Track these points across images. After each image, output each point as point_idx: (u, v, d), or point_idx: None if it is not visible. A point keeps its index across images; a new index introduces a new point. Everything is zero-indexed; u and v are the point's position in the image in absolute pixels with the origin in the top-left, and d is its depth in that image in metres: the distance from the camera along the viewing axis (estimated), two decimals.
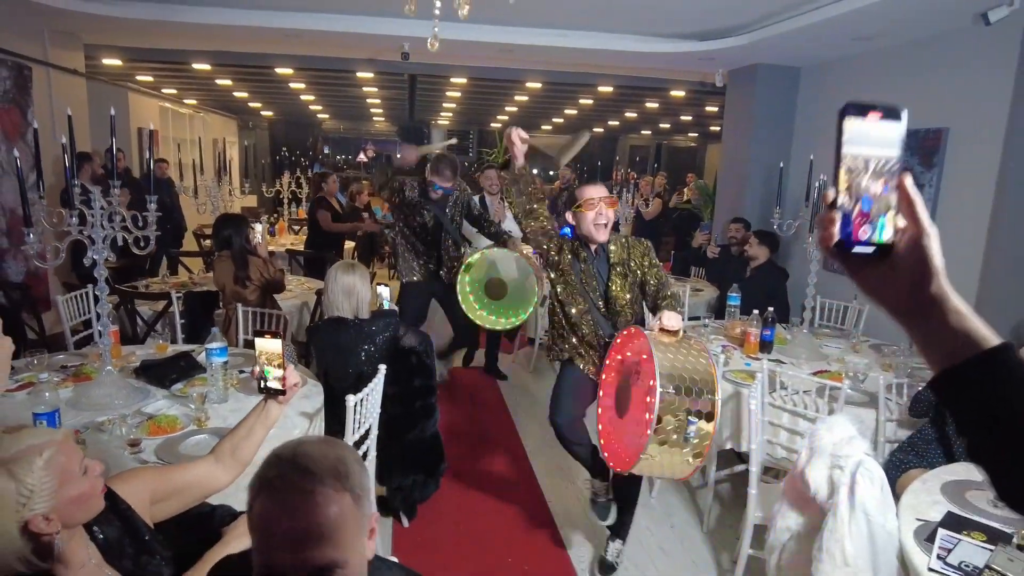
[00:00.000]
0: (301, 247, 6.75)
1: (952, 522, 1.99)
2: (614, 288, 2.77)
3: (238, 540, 1.42)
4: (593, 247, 2.78)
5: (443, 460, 3.30)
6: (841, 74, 5.60)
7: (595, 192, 2.70)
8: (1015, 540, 1.87)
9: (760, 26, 5.00)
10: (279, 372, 1.65)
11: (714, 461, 3.30)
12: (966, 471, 2.37)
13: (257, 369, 1.67)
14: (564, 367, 2.92)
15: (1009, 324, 3.82)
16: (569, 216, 2.76)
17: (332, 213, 6.48)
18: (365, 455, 2.69)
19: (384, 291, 3.54)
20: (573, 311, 2.80)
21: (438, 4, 1.59)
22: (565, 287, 2.81)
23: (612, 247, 2.79)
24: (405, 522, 3.21)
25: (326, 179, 6.88)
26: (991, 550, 1.82)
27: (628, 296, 2.79)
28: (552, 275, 2.84)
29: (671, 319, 2.40)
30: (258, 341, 1.68)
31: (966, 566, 1.76)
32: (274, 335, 1.68)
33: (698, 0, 4.54)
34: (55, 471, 1.19)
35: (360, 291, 2.98)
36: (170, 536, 1.43)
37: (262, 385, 1.68)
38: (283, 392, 1.66)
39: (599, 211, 2.67)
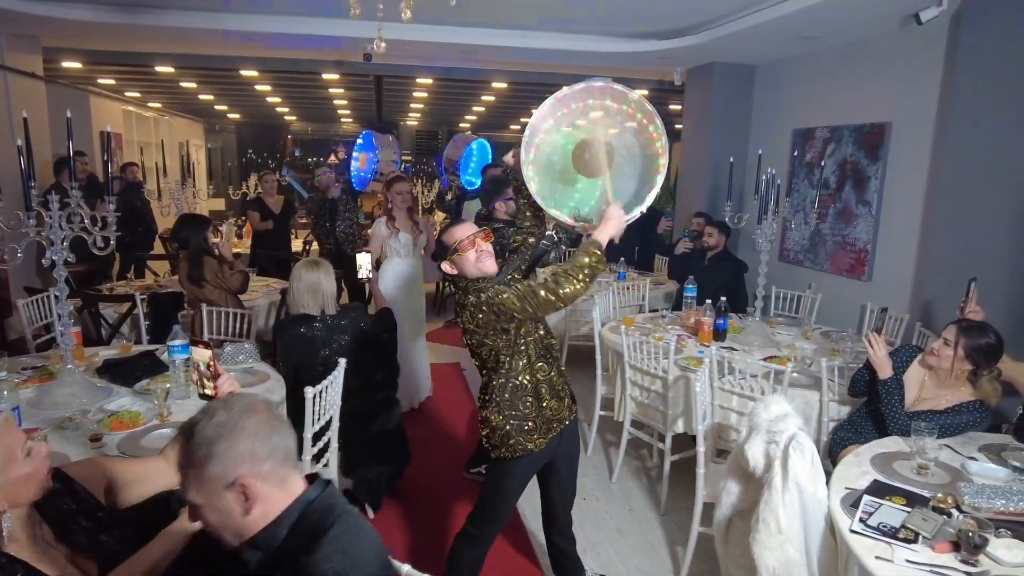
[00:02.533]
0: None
1: (876, 489, 2.13)
2: None
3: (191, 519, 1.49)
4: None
5: (407, 451, 3.39)
6: (792, 72, 5.79)
7: (464, 231, 2.22)
8: (931, 503, 2.02)
9: (714, 25, 5.16)
10: (212, 379, 1.76)
11: (669, 444, 3.43)
12: (895, 444, 2.53)
13: (195, 376, 1.77)
14: (519, 462, 2.29)
15: (941, 287, 4.01)
16: (447, 267, 2.25)
17: (262, 212, 6.43)
18: (327, 446, 2.76)
19: (364, 259, 3.49)
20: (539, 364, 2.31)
21: (381, 7, 1.68)
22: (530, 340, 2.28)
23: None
24: (370, 513, 3.28)
25: (265, 179, 6.87)
26: (908, 512, 1.96)
27: None
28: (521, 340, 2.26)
29: None
30: (192, 350, 1.79)
31: (884, 526, 1.90)
32: (206, 345, 1.79)
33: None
34: None
35: (325, 287, 3.04)
36: (129, 516, 1.50)
37: (200, 392, 1.78)
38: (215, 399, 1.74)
39: (478, 248, 2.21)
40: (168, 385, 2.68)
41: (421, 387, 4.77)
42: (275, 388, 2.88)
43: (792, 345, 3.81)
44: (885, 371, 2.71)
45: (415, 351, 4.65)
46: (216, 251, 4.00)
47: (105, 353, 3.27)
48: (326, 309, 3.03)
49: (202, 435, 1.18)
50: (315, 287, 3.01)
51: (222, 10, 5.17)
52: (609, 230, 2.16)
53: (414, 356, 4.63)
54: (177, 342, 2.74)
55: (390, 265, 4.56)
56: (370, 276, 3.49)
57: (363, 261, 3.49)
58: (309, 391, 2.48)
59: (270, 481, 1.19)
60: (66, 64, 7.62)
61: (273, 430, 1.21)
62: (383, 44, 1.90)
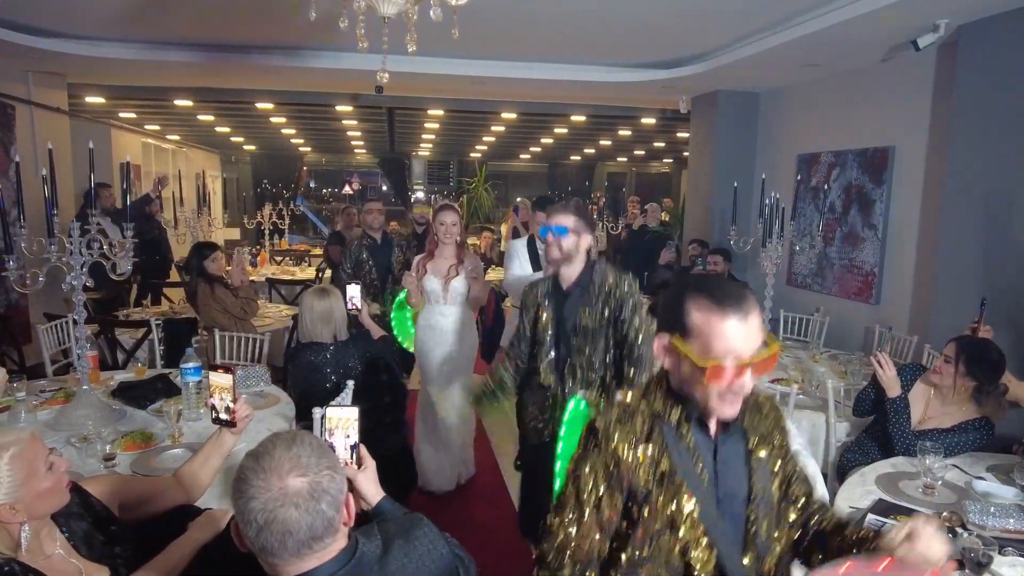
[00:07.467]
0: (283, 276, 6.91)
1: (881, 508, 2.13)
2: (756, 500, 1.36)
3: (200, 532, 1.54)
4: (713, 423, 1.35)
5: (414, 475, 3.41)
6: (796, 98, 5.87)
7: (733, 341, 1.22)
8: None
9: (716, 55, 5.26)
10: (231, 404, 1.79)
11: None
12: (901, 463, 2.52)
13: (210, 401, 1.81)
14: None
15: (949, 308, 4.00)
16: (659, 347, 1.33)
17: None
18: None
19: (354, 290, 3.41)
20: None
21: (386, 40, 1.77)
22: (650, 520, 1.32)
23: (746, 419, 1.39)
24: None
25: (345, 212, 6.93)
26: None
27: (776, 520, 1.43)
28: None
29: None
30: (211, 375, 1.83)
31: None
32: (226, 370, 1.82)
33: (656, 29, 4.78)
34: (20, 465, 1.31)
35: (336, 315, 3.09)
36: (141, 531, 1.55)
37: (215, 416, 1.82)
38: (234, 424, 1.79)
39: (734, 385, 1.24)
40: (180, 407, 2.73)
41: (467, 462, 4.04)
42: (285, 411, 2.94)
43: (799, 367, 3.81)
44: (894, 390, 2.71)
45: (460, 419, 3.82)
46: (225, 278, 4.10)
47: (120, 376, 3.35)
48: (338, 336, 3.09)
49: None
50: (327, 315, 3.06)
51: (241, 44, 5.35)
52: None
53: (459, 424, 3.83)
54: (190, 364, 2.80)
55: (421, 315, 3.78)
56: (359, 308, 3.38)
57: (353, 292, 3.34)
58: (316, 411, 2.52)
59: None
60: (89, 99, 7.88)
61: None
62: (386, 75, 1.99)
